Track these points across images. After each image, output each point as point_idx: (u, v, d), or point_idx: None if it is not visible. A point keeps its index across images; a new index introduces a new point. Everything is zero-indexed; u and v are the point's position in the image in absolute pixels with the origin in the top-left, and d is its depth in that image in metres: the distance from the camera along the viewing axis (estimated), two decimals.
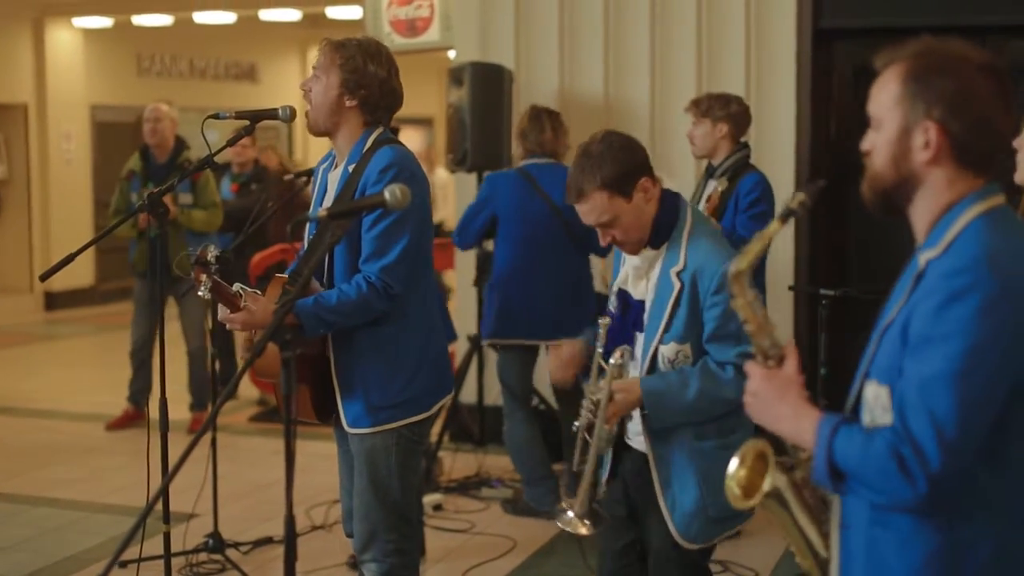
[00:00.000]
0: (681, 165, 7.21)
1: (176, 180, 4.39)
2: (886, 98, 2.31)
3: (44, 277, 4.24)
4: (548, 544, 6.04)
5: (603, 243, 3.60)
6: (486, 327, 6.57)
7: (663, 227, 3.56)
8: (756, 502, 2.48)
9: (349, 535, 4.21)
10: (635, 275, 3.64)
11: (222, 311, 3.84)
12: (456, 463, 7.25)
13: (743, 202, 5.71)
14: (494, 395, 7.65)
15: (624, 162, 3.50)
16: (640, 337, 3.59)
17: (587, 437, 3.56)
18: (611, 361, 3.54)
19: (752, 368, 2.45)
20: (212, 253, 3.65)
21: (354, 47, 3.90)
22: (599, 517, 3.59)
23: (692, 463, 3.55)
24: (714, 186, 5.84)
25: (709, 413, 3.54)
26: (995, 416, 2.17)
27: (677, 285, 3.50)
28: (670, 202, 3.59)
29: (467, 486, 6.94)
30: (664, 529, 3.61)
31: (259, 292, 3.91)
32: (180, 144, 8.22)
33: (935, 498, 2.16)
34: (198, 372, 8.40)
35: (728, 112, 5.84)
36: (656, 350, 3.54)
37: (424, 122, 20.75)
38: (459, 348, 7.72)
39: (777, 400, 2.39)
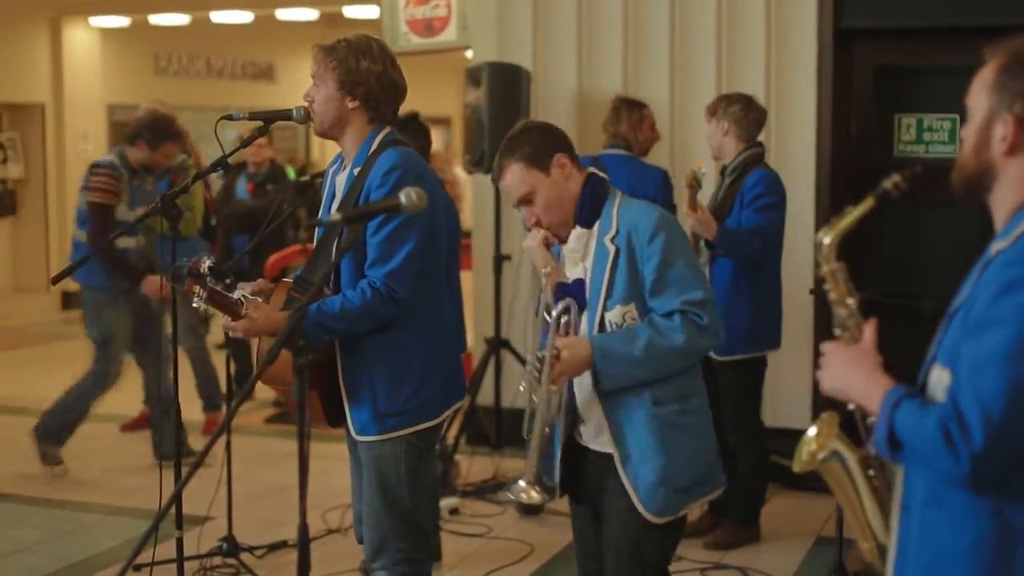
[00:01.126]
0: None
1: (190, 181, 4.35)
2: (979, 88, 2.38)
3: (56, 280, 4.21)
4: (565, 550, 5.97)
5: (528, 225, 3.65)
6: None
7: (592, 204, 3.62)
8: (811, 466, 2.55)
9: (360, 541, 4.17)
10: (571, 260, 3.67)
11: (225, 319, 3.80)
12: (473, 466, 7.20)
13: (748, 196, 5.72)
14: (511, 398, 7.61)
15: (539, 141, 3.64)
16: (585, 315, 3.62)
17: (535, 399, 3.55)
18: (554, 313, 3.55)
19: (827, 344, 2.50)
20: (205, 264, 3.61)
21: (344, 48, 3.88)
22: (548, 488, 3.61)
23: (651, 431, 3.55)
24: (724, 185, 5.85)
25: (664, 367, 3.54)
26: None
27: (612, 249, 3.55)
28: (598, 181, 3.67)
29: (484, 490, 6.88)
30: (621, 525, 3.62)
31: (260, 299, 3.86)
32: None
33: (983, 479, 2.20)
34: (202, 373, 8.30)
35: (728, 111, 5.86)
36: (602, 318, 3.56)
37: (442, 122, 20.73)
38: (476, 351, 7.67)
39: (850, 369, 2.43)
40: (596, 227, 3.61)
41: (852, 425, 2.56)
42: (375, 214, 3.38)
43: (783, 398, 6.98)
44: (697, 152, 6.92)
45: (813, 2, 7.07)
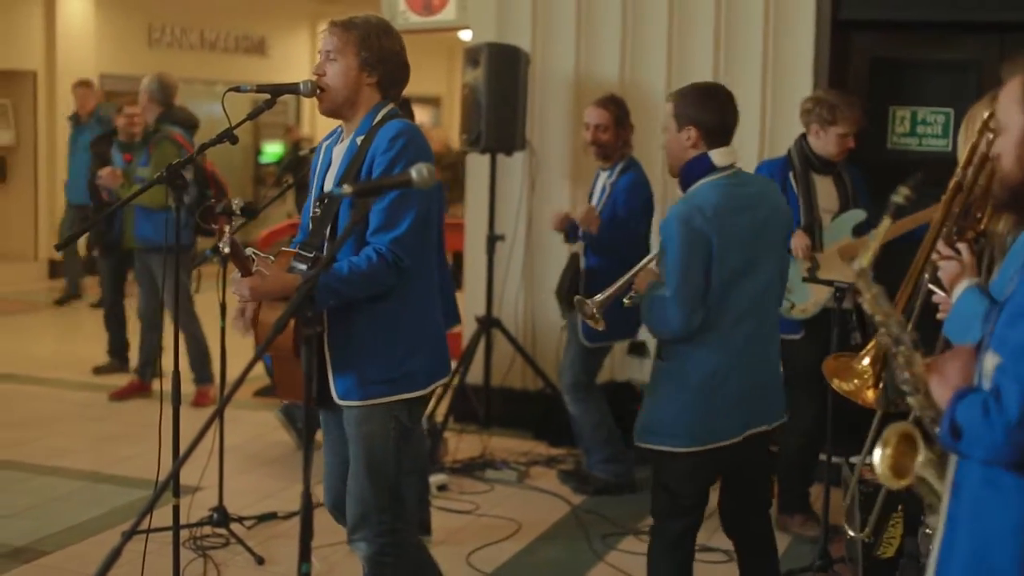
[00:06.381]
0: None
1: (195, 152, 4.35)
2: (1009, 102, 2.48)
3: (60, 247, 4.22)
4: (552, 528, 6.03)
5: None
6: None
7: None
8: (910, 481, 2.60)
9: (334, 513, 4.29)
10: None
11: (235, 274, 3.76)
12: (461, 444, 7.25)
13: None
14: (500, 376, 7.65)
15: None
16: None
17: None
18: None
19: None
20: (237, 204, 3.55)
21: (366, 25, 3.88)
22: None
23: None
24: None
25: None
26: None
27: None
28: None
29: (472, 467, 6.93)
30: None
31: (271, 257, 3.86)
32: (163, 117, 8.10)
33: (1019, 449, 2.29)
34: (194, 345, 8.25)
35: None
36: None
37: (431, 101, 20.70)
38: (467, 329, 7.71)
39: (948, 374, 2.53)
40: None
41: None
42: (387, 189, 3.38)
43: None
44: None
45: None
